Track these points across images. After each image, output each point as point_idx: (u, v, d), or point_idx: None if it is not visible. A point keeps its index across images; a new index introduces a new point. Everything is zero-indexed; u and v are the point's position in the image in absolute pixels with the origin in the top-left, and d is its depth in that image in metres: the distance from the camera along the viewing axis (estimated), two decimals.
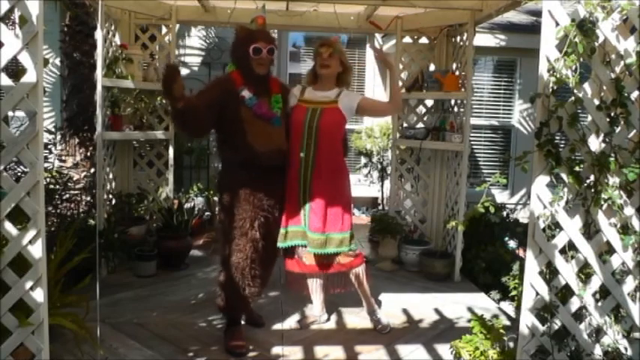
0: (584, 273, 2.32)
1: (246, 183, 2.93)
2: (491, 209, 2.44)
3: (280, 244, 3.13)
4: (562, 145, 2.26)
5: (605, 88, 2.23)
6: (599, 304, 2.29)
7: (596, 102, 2.22)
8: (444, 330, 3.44)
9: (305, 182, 3.05)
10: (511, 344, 2.62)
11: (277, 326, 3.39)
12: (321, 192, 3.04)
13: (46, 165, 4.42)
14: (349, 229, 3.12)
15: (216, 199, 4.89)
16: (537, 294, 2.31)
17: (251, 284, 2.98)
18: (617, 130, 2.21)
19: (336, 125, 3.08)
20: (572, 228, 2.25)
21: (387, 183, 6.28)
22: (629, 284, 2.26)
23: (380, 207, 6.78)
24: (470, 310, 3.74)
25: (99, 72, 4.06)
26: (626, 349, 2.27)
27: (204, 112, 2.81)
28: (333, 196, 3.06)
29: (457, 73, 4.58)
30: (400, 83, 4.83)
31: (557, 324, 2.30)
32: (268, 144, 2.93)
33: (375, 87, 7.34)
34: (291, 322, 3.40)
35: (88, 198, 5.01)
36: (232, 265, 2.95)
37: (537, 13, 5.74)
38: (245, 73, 2.96)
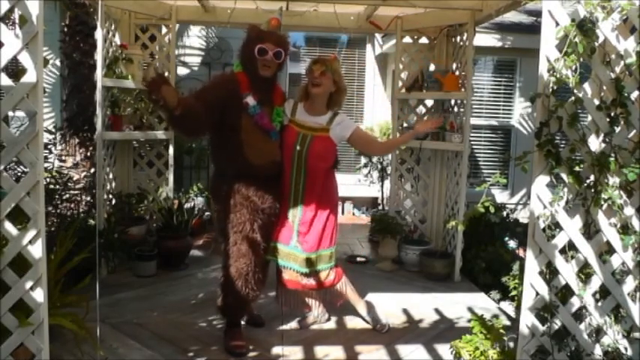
0: (584, 273, 2.32)
1: (240, 189, 2.90)
2: (491, 209, 2.44)
3: (268, 257, 3.16)
4: (562, 145, 2.26)
5: (605, 88, 2.23)
6: (599, 304, 2.29)
7: (596, 102, 2.22)
8: (444, 330, 3.44)
9: (295, 205, 3.06)
10: (511, 344, 2.62)
11: (277, 326, 3.39)
12: (312, 215, 3.06)
13: (46, 165, 4.42)
14: (335, 244, 3.16)
15: None
16: (537, 294, 2.31)
17: (255, 288, 2.98)
18: (617, 130, 2.21)
19: (326, 153, 3.03)
20: (572, 228, 2.25)
21: (387, 183, 6.28)
22: (629, 284, 2.26)
23: (380, 207, 6.78)
24: (470, 310, 3.74)
25: (99, 72, 4.06)
26: (626, 349, 2.27)
27: (205, 112, 2.70)
28: (323, 215, 3.08)
29: (457, 73, 4.58)
30: (400, 83, 4.85)
31: (557, 324, 2.30)
32: (263, 156, 2.90)
33: (375, 87, 7.34)
34: (291, 322, 3.40)
35: (88, 198, 5.01)
36: (236, 270, 2.93)
37: (537, 13, 5.74)
38: (250, 74, 2.88)
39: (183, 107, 2.53)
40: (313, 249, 3.07)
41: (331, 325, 3.45)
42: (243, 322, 3.22)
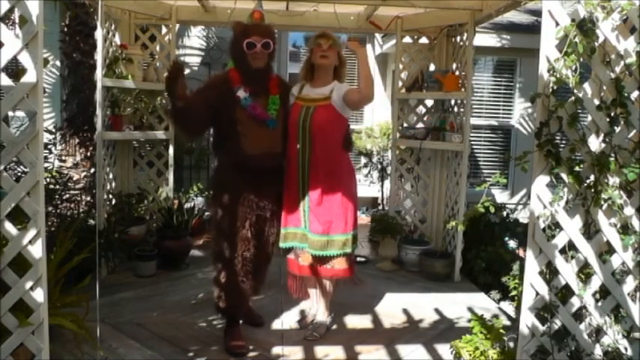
0: (584, 273, 2.32)
1: (237, 183, 2.94)
2: (491, 209, 2.43)
3: (281, 245, 3.14)
4: (562, 145, 2.26)
5: (605, 88, 2.23)
6: (599, 304, 2.29)
7: (596, 102, 2.22)
8: (444, 330, 3.44)
9: (303, 182, 3.02)
10: (511, 344, 2.62)
11: (277, 326, 3.39)
12: (321, 192, 3.00)
13: (46, 165, 4.42)
14: (352, 229, 3.07)
15: None
16: (537, 294, 2.31)
17: (245, 280, 2.99)
18: (617, 130, 2.21)
19: (329, 121, 3.00)
20: (572, 228, 2.25)
21: (387, 183, 6.28)
22: (629, 284, 2.26)
23: (380, 207, 6.78)
24: (470, 310, 3.74)
25: (99, 72, 4.06)
26: (626, 349, 2.27)
27: (201, 112, 2.85)
28: (334, 196, 3.01)
29: (457, 73, 4.58)
30: (400, 83, 4.85)
31: (557, 324, 2.30)
32: (260, 147, 2.92)
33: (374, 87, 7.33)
34: (291, 322, 3.40)
35: (88, 198, 5.01)
36: (227, 262, 2.96)
37: (537, 13, 5.74)
38: (242, 69, 2.94)
39: (185, 101, 2.75)
40: (325, 232, 3.00)
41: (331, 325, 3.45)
42: (242, 322, 3.22)
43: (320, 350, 3.08)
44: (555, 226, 2.29)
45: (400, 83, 4.85)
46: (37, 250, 2.07)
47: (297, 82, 3.18)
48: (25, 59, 2.00)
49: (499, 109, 6.43)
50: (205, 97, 2.90)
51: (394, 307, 3.79)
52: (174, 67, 2.75)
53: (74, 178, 5.18)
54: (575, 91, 2.21)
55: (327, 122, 3.00)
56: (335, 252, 3.03)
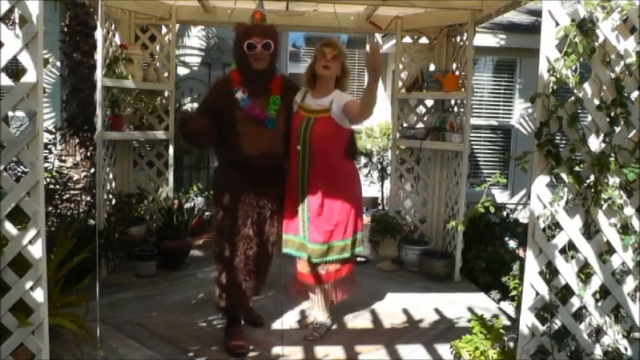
0: (584, 273, 2.32)
1: (238, 182, 2.95)
2: (491, 209, 2.43)
3: (283, 250, 3.16)
4: (562, 145, 2.26)
5: (605, 88, 2.23)
6: (599, 304, 2.29)
7: (596, 102, 2.22)
8: (444, 330, 3.44)
9: (303, 191, 3.03)
10: (511, 344, 2.62)
11: (277, 326, 3.39)
12: (320, 202, 3.00)
13: (46, 165, 4.42)
14: (352, 234, 3.08)
15: None
16: (537, 294, 2.31)
17: (247, 279, 3.00)
18: (617, 130, 2.21)
19: (329, 134, 2.98)
20: (572, 228, 2.25)
21: (387, 183, 6.28)
22: (629, 284, 2.26)
23: (380, 207, 6.78)
24: (470, 310, 3.74)
25: (99, 72, 4.06)
26: (626, 349, 2.27)
27: (212, 127, 2.88)
28: (334, 204, 3.01)
29: (457, 73, 4.58)
30: (400, 83, 4.85)
31: (557, 324, 2.30)
32: (259, 146, 2.92)
33: None
34: (291, 322, 3.39)
35: (88, 198, 5.01)
36: (227, 261, 2.97)
37: (537, 13, 5.73)
38: (244, 70, 2.95)
39: (203, 128, 2.87)
40: (325, 241, 3.01)
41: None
42: (242, 322, 3.22)
43: (320, 350, 3.08)
44: (555, 226, 2.29)
45: (400, 83, 4.85)
46: (37, 250, 2.07)
47: (301, 85, 3.17)
48: (25, 59, 2.00)
49: (499, 109, 6.43)
50: (209, 108, 2.95)
51: (394, 307, 3.79)
52: (185, 118, 2.85)
53: (74, 178, 5.18)
54: (575, 91, 2.21)
55: (327, 135, 2.99)
56: (334, 257, 3.06)
